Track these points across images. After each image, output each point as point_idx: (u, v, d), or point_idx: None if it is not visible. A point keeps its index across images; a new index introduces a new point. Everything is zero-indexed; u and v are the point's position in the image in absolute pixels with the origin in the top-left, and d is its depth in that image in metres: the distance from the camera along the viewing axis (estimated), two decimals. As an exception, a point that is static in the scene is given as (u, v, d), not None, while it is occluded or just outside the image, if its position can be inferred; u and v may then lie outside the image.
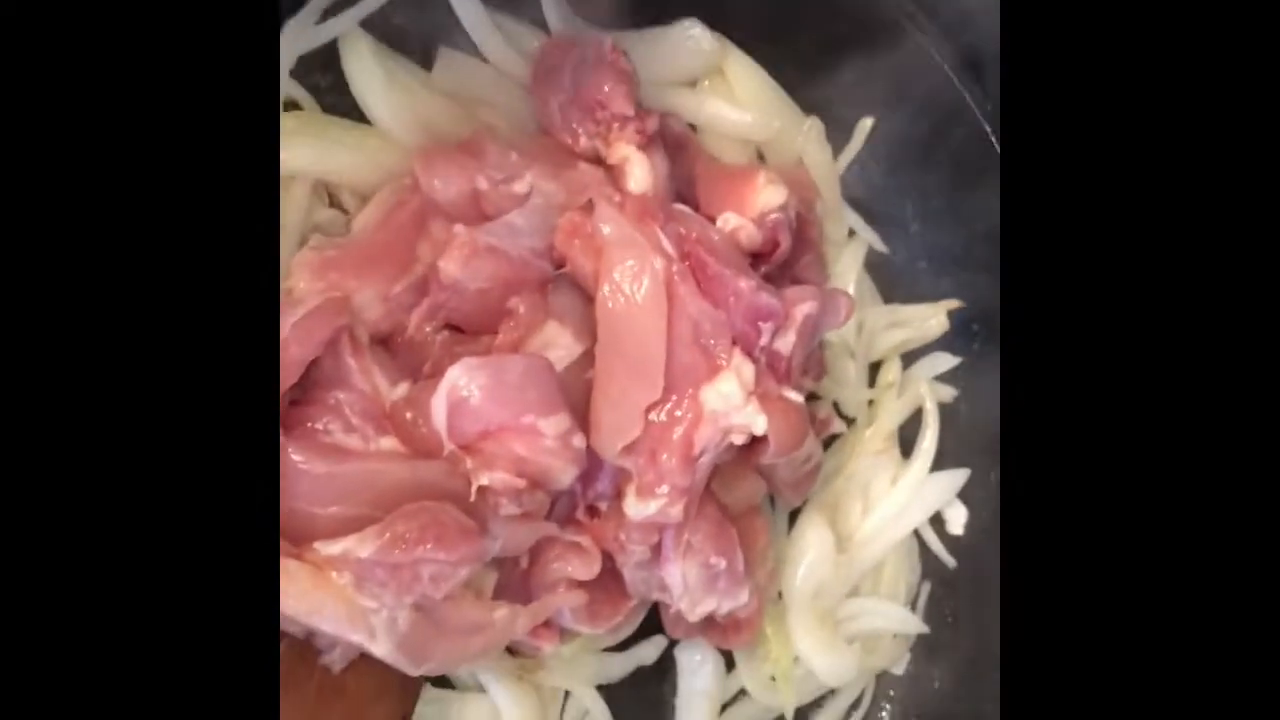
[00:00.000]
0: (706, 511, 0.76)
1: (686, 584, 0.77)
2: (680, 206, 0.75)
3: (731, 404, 0.71)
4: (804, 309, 0.74)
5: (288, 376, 0.64)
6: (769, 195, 0.77)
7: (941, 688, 0.99)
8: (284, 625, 0.67)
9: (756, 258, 0.78)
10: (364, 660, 0.69)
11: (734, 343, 0.72)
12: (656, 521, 0.73)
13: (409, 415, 0.67)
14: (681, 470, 0.71)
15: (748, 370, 0.72)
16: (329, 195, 0.77)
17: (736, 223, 0.75)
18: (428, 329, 0.71)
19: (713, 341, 0.71)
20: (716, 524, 0.77)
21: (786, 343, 0.74)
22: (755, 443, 0.76)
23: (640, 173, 0.74)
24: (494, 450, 0.68)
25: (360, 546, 0.63)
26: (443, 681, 0.83)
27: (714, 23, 0.85)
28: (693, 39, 0.84)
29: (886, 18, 0.87)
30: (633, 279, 0.70)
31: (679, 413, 0.71)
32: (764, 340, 0.73)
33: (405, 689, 0.74)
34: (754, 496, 0.81)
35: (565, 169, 0.74)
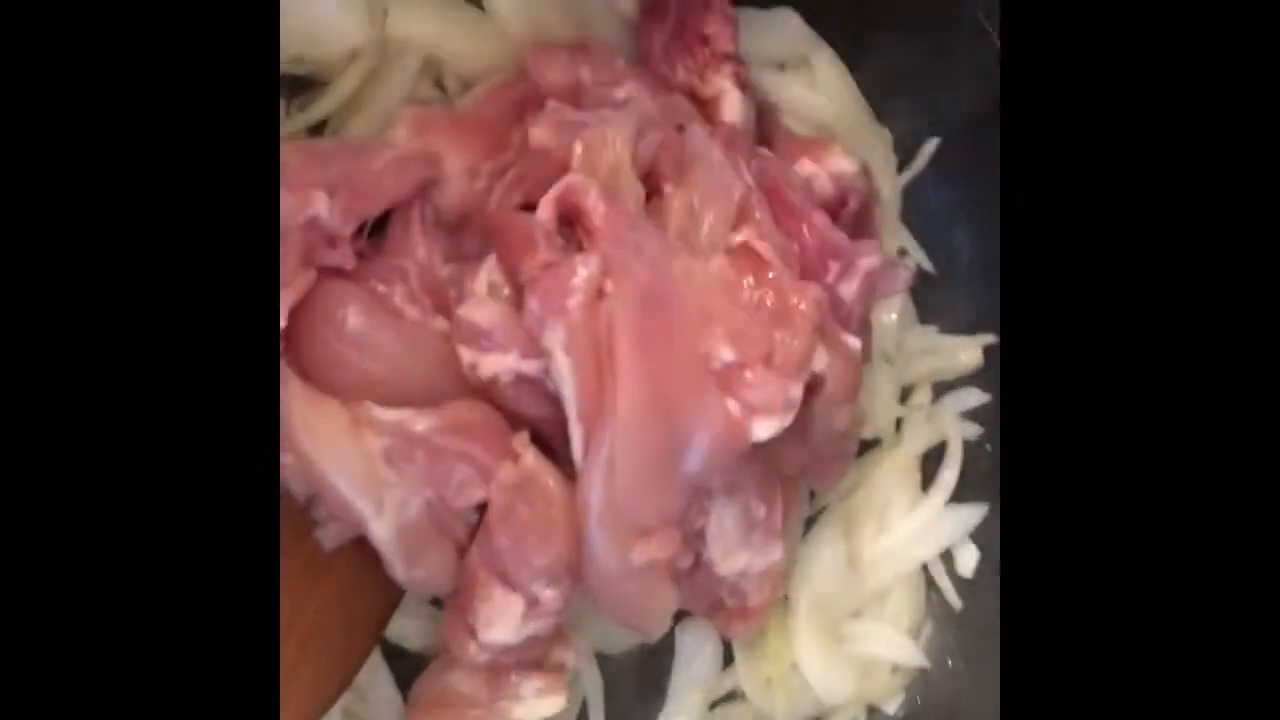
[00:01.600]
0: (758, 454, 0.76)
1: (724, 528, 0.75)
2: (762, 149, 0.78)
3: (795, 332, 0.72)
4: (868, 261, 0.76)
5: (374, 208, 0.66)
6: (843, 161, 0.80)
7: (931, 737, 0.96)
8: (290, 484, 0.65)
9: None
10: (353, 548, 0.67)
11: (802, 276, 0.73)
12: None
13: (452, 293, 0.69)
14: (733, 391, 0.71)
15: (814, 303, 0.73)
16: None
17: (812, 169, 0.78)
18: (507, 203, 0.72)
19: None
20: (764, 472, 0.77)
21: (850, 289, 0.75)
22: (807, 391, 0.77)
23: (733, 104, 0.77)
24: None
25: (418, 420, 0.63)
26: (439, 602, 0.80)
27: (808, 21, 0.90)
28: (789, 26, 0.88)
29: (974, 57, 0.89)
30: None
31: (744, 333, 0.72)
32: (830, 279, 0.74)
33: (388, 594, 0.71)
34: (794, 466, 0.81)
35: (661, 94, 0.77)
